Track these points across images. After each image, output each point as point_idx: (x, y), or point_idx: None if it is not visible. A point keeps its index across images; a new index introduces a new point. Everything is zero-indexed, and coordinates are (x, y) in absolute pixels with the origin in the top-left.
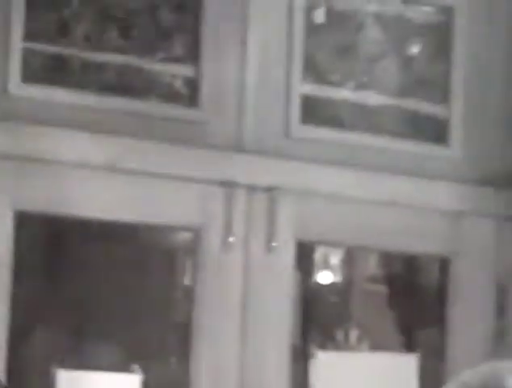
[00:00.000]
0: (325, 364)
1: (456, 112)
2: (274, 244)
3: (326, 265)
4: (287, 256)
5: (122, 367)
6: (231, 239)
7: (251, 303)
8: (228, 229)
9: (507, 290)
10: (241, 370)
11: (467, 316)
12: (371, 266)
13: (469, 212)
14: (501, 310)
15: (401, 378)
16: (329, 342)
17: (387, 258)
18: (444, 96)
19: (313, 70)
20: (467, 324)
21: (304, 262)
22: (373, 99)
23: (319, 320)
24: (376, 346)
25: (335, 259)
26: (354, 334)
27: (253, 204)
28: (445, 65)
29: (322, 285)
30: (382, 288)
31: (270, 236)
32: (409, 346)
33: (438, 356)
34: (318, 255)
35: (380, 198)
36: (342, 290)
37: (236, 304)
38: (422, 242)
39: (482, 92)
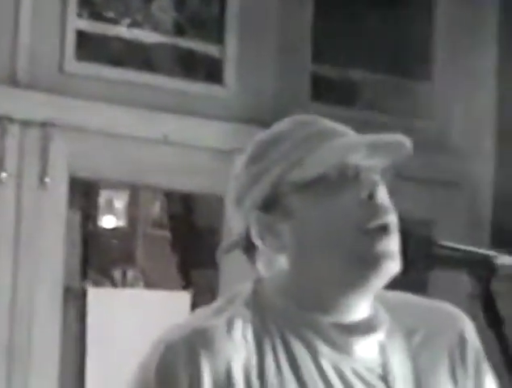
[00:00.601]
0: (99, 300)
1: (230, 52)
2: (46, 180)
3: (110, 209)
4: (60, 193)
5: None
6: (3, 175)
7: (24, 240)
8: (0, 165)
9: None
10: (12, 309)
11: (239, 254)
12: (155, 210)
13: (242, 150)
14: None
15: (174, 313)
16: (106, 281)
17: (167, 199)
18: (219, 36)
19: (89, 6)
20: (237, 264)
21: (86, 203)
22: (148, 36)
23: (98, 261)
24: (154, 285)
25: (119, 203)
26: (131, 273)
27: (26, 140)
28: (219, 5)
29: (105, 228)
30: (164, 232)
31: (43, 172)
32: (186, 285)
33: (211, 294)
34: (102, 198)
35: (155, 136)
36: (124, 232)
37: (8, 241)
38: (197, 181)
39: (256, 33)
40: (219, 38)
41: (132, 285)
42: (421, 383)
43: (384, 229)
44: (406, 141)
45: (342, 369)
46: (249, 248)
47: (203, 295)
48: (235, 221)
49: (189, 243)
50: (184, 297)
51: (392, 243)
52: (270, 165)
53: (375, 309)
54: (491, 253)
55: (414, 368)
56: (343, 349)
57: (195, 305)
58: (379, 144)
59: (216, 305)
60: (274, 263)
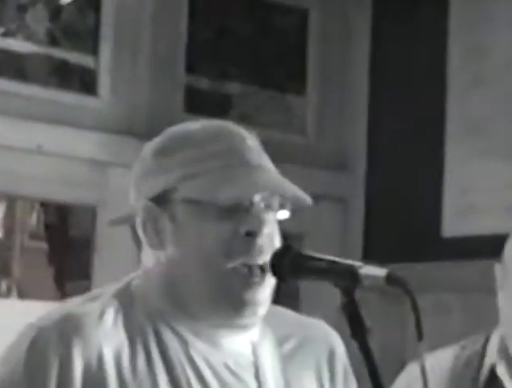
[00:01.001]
0: None
1: (104, 63)
2: None
3: None
4: None
5: None
6: None
7: None
8: None
9: None
10: None
11: (112, 266)
12: (31, 221)
13: (115, 162)
14: None
15: None
16: None
17: (43, 210)
18: (93, 47)
19: None
20: (110, 275)
21: None
22: (22, 46)
23: None
24: (29, 296)
25: None
26: (5, 284)
27: None
28: (94, 16)
29: None
30: (41, 243)
31: None
32: (62, 296)
33: None
34: None
35: (29, 146)
36: (0, 243)
37: None
38: (72, 192)
39: (131, 44)
40: (93, 49)
41: (6, 296)
42: (290, 384)
43: (255, 270)
44: (306, 198)
45: (214, 363)
46: (135, 235)
47: None
48: (133, 202)
49: (64, 254)
50: None
51: (262, 290)
52: (175, 164)
53: None
54: (355, 263)
55: (284, 373)
56: (214, 343)
57: None
58: (280, 193)
59: (89, 294)
60: (154, 253)
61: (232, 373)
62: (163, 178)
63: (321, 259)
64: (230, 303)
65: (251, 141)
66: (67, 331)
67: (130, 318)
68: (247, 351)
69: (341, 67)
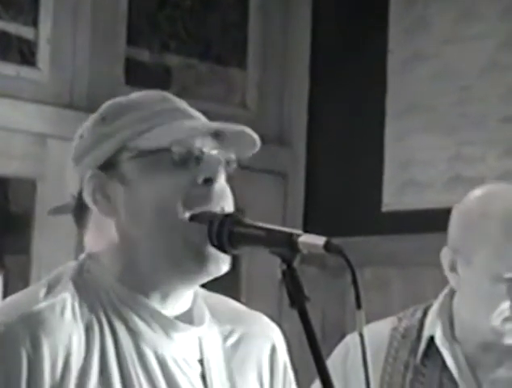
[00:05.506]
0: None
1: (44, 34)
2: None
3: None
4: None
5: None
6: None
7: None
8: None
9: None
10: None
11: (52, 240)
12: None
13: (55, 135)
14: None
15: None
16: None
17: None
18: (33, 18)
19: None
20: (50, 249)
21: None
22: None
23: None
24: None
25: None
26: None
27: None
28: None
29: None
30: None
31: None
32: (1, 269)
33: (24, 279)
34: None
35: None
36: None
37: None
38: (11, 165)
39: (71, 16)
40: (33, 20)
41: None
42: (234, 382)
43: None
44: (253, 135)
45: (163, 356)
46: (80, 211)
47: (15, 279)
48: (71, 181)
49: (3, 228)
50: None
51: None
52: (118, 128)
53: (198, 304)
54: (294, 231)
55: (227, 367)
56: (165, 333)
57: (7, 289)
58: (227, 131)
59: (45, 282)
60: (103, 233)
61: (180, 368)
62: (109, 143)
63: (260, 228)
64: (192, 257)
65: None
66: (34, 327)
67: (86, 308)
68: (194, 347)
69: (282, 41)
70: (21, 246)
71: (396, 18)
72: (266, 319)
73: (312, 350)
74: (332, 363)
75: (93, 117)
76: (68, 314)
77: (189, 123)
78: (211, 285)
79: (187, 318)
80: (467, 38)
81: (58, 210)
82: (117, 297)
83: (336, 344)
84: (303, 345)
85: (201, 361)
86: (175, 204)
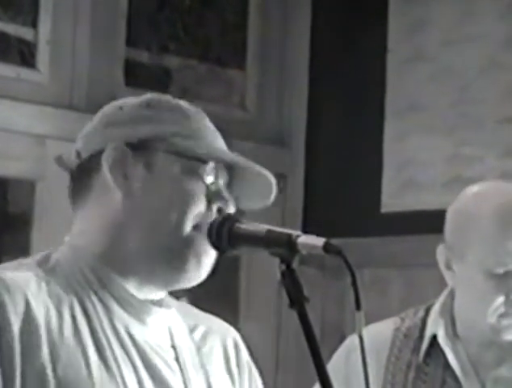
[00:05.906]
0: None
1: (43, 35)
2: None
3: None
4: None
5: None
6: None
7: None
8: None
9: None
10: None
11: (51, 241)
12: None
13: (54, 136)
14: None
15: None
16: None
17: None
18: (33, 19)
19: None
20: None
21: None
22: None
23: None
24: None
25: None
26: None
27: None
28: None
29: None
30: None
31: None
32: None
33: None
34: None
35: None
36: None
37: None
38: (11, 166)
39: (71, 17)
40: (33, 21)
41: None
42: (207, 370)
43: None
44: (273, 186)
45: (136, 338)
46: (80, 175)
47: None
48: (85, 139)
49: (2, 229)
50: None
51: (211, 256)
52: (163, 120)
53: (168, 297)
54: (293, 232)
55: (198, 354)
56: (137, 317)
57: None
58: (253, 173)
59: (14, 262)
60: (98, 205)
61: (154, 350)
62: (146, 127)
63: (259, 228)
64: (185, 261)
65: None
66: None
67: (52, 286)
68: (166, 334)
69: (282, 42)
70: (20, 246)
71: (395, 18)
72: (223, 321)
73: (311, 351)
74: (333, 365)
75: (137, 99)
76: (33, 286)
77: (225, 148)
78: (211, 286)
79: (159, 302)
80: (467, 38)
81: (63, 162)
82: (94, 275)
83: (335, 345)
84: (301, 345)
85: (173, 347)
86: (189, 215)
